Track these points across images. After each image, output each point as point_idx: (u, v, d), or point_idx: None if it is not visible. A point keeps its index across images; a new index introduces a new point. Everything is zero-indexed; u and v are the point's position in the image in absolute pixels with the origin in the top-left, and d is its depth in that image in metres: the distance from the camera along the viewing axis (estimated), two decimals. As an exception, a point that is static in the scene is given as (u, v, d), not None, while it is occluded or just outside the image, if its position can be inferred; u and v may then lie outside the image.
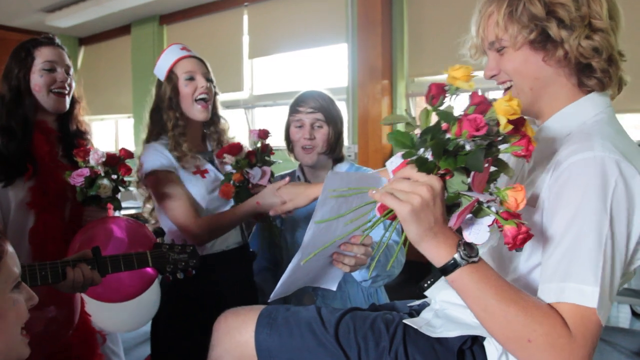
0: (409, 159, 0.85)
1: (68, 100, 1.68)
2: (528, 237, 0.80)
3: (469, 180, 0.80)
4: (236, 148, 1.68)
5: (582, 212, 0.82)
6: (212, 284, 1.68)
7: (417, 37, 4.74)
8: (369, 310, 1.25)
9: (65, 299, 1.57)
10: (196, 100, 1.67)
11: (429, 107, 0.84)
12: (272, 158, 1.78)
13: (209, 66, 1.76)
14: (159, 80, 1.74)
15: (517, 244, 0.79)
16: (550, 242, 0.86)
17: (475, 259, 0.83)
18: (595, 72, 0.91)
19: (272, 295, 1.16)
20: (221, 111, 1.83)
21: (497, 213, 0.81)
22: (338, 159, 1.86)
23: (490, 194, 0.82)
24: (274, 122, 5.90)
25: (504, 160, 0.88)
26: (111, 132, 7.57)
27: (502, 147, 0.84)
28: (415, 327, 1.05)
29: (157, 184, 1.61)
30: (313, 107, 1.74)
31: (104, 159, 1.50)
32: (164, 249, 1.39)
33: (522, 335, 0.80)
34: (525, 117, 1.00)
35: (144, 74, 6.79)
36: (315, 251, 1.06)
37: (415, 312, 1.23)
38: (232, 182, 1.67)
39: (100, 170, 1.51)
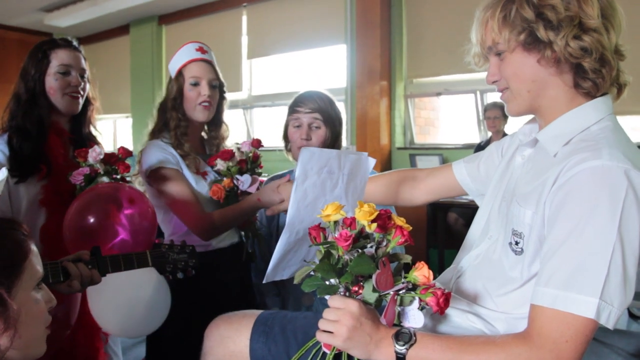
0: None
1: (81, 102, 1.71)
2: (447, 295, 0.88)
3: (374, 283, 0.88)
4: (227, 154, 1.70)
5: (586, 223, 0.82)
6: (210, 283, 1.68)
7: (415, 38, 4.75)
8: None
9: (63, 298, 1.55)
10: (198, 104, 1.70)
11: (320, 247, 0.94)
12: (264, 160, 1.79)
13: (218, 70, 1.76)
14: (170, 76, 1.76)
15: (443, 306, 0.87)
16: (550, 247, 0.87)
17: (413, 341, 0.89)
18: (587, 73, 0.91)
19: (264, 279, 1.12)
20: (225, 116, 1.84)
21: (416, 293, 0.90)
22: None
23: (402, 282, 0.91)
24: (272, 122, 5.91)
25: (397, 253, 0.96)
26: (109, 131, 7.57)
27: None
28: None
29: (163, 180, 1.62)
30: (312, 107, 1.75)
31: (101, 157, 1.51)
32: (163, 248, 1.39)
33: None
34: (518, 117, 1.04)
35: (142, 74, 6.80)
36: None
37: None
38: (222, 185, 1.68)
39: (100, 168, 1.52)
